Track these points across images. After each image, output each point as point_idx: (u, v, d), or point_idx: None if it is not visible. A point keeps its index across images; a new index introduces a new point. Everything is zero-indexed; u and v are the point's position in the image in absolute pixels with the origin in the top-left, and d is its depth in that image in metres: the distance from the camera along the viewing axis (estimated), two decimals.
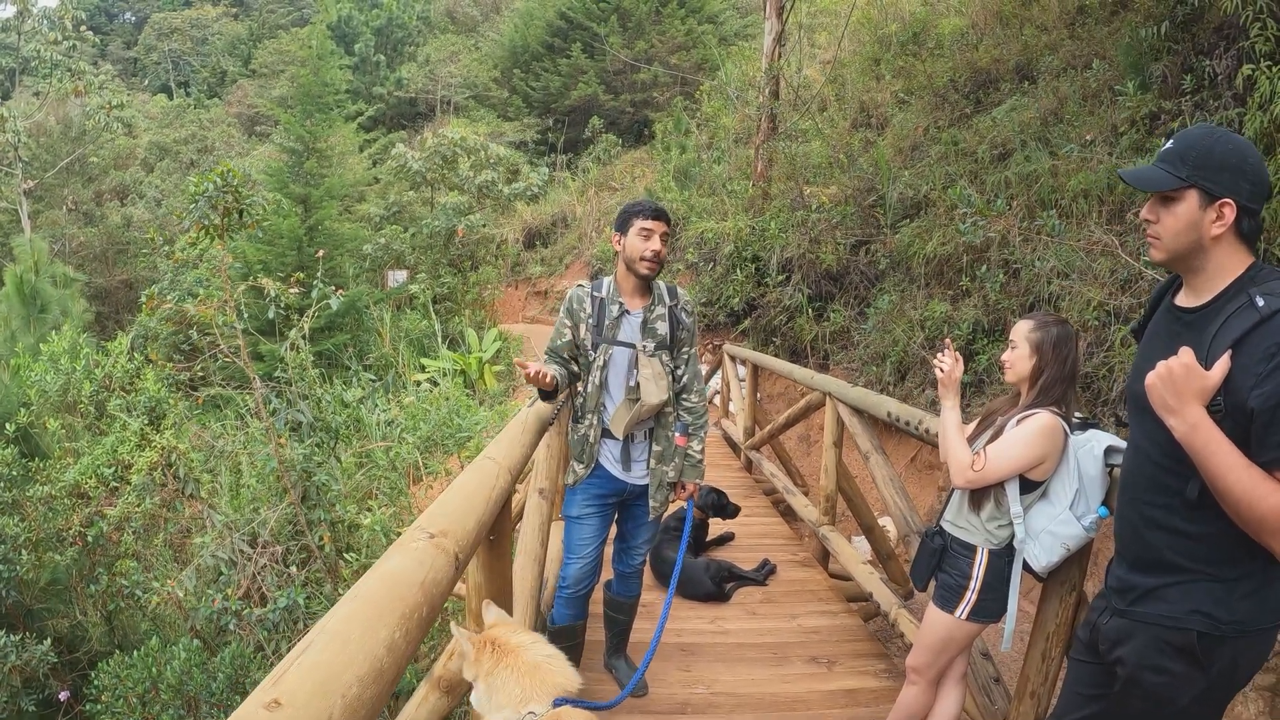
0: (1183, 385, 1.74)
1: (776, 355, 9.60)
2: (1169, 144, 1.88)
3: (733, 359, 9.73)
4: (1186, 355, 1.76)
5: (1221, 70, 5.79)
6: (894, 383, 7.89)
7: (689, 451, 3.37)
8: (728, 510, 5.91)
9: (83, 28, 22.93)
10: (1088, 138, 6.99)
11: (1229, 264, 1.84)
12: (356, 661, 1.00)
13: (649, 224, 3.10)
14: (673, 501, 3.46)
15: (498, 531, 2.21)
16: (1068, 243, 6.39)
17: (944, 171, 8.71)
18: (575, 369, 3.24)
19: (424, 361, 13.03)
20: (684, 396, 3.34)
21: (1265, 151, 5.13)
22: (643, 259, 3.10)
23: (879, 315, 8.51)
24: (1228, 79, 5.68)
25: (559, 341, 3.23)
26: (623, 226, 3.17)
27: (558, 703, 1.91)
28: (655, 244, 3.10)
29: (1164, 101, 6.33)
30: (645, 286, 3.24)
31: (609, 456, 3.28)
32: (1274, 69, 5.02)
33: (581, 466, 3.28)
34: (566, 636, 3.47)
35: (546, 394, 3.06)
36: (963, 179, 8.26)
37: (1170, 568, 1.92)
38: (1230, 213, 1.79)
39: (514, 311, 22.98)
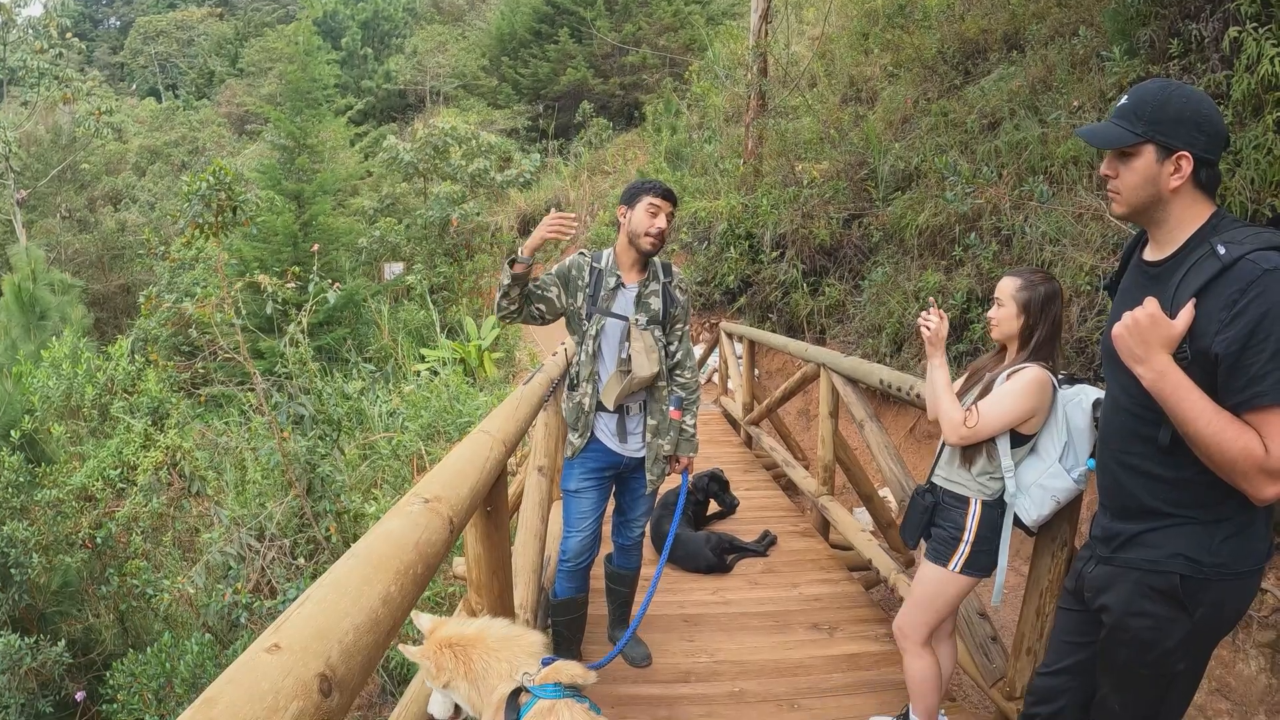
0: (1149, 334, 1.78)
1: (773, 331, 9.63)
2: (1124, 100, 1.91)
3: (729, 336, 9.77)
4: (1151, 305, 1.79)
5: (1208, 34, 5.74)
6: (890, 354, 7.93)
7: (683, 426, 3.42)
8: (724, 500, 5.95)
9: (68, 35, 22.82)
10: (1076, 105, 6.98)
11: (1190, 215, 1.88)
12: (353, 612, 1.06)
13: (657, 201, 3.17)
14: (668, 475, 3.51)
15: (494, 503, 2.26)
16: (1058, 209, 6.42)
17: (934, 143, 8.71)
18: (536, 308, 3.20)
19: (423, 351, 13.07)
20: (677, 373, 3.40)
21: (1253, 113, 5.12)
22: (647, 234, 3.16)
23: (873, 288, 8.53)
24: (1214, 42, 5.64)
25: (541, 286, 3.21)
26: (630, 200, 3.23)
27: (546, 661, 1.97)
28: (661, 222, 3.17)
29: (1151, 66, 6.31)
30: (643, 262, 3.29)
31: (605, 430, 3.33)
32: (1260, 30, 5.00)
33: (578, 437, 3.33)
34: (569, 609, 3.54)
35: (518, 276, 3.00)
36: (953, 150, 8.27)
37: (1151, 513, 1.96)
38: (1187, 165, 1.82)
39: None
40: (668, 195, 3.21)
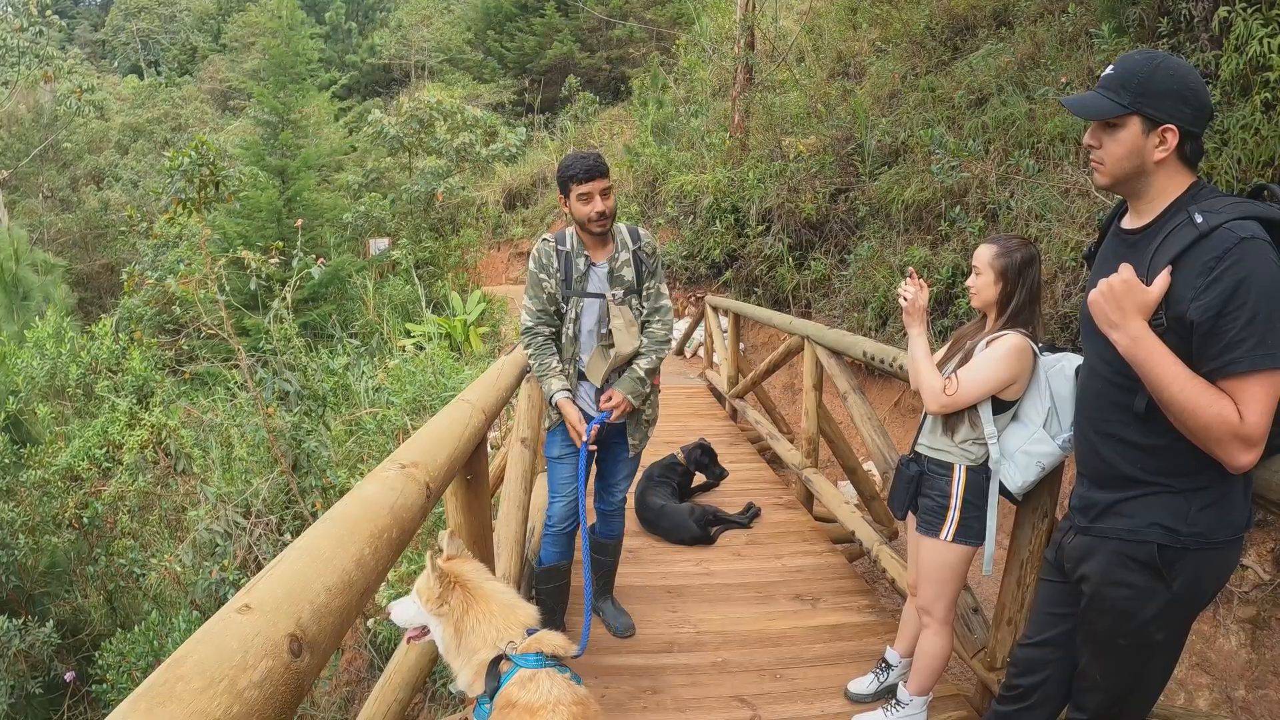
0: (1124, 300, 1.78)
1: (759, 305, 9.63)
2: (1110, 70, 1.89)
3: (715, 310, 9.76)
4: (1126, 271, 1.80)
5: (1198, 13, 5.72)
6: (875, 328, 7.95)
7: (634, 364, 3.28)
8: (712, 471, 5.95)
9: (48, 12, 22.53)
10: (1064, 81, 6.98)
11: (1171, 186, 1.87)
12: (325, 574, 1.06)
13: (585, 188, 3.05)
14: (603, 406, 3.34)
15: (474, 471, 2.27)
16: (1044, 184, 6.43)
17: (922, 118, 8.71)
18: (558, 320, 3.24)
19: (409, 327, 13.00)
20: (648, 319, 3.31)
21: (1241, 93, 5.13)
22: (590, 221, 3.09)
23: (859, 262, 8.55)
24: (1204, 22, 5.62)
25: (543, 295, 3.19)
26: (563, 190, 3.14)
27: (530, 631, 1.99)
28: (597, 205, 3.05)
29: (1140, 45, 6.31)
30: (605, 237, 3.25)
31: (584, 398, 3.33)
32: (1249, 11, 5.00)
33: (556, 413, 3.32)
34: (554, 576, 3.55)
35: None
36: (940, 125, 8.26)
37: (1128, 481, 1.96)
38: (1173, 138, 1.81)
39: (497, 273, 22.79)
40: (592, 174, 3.04)
